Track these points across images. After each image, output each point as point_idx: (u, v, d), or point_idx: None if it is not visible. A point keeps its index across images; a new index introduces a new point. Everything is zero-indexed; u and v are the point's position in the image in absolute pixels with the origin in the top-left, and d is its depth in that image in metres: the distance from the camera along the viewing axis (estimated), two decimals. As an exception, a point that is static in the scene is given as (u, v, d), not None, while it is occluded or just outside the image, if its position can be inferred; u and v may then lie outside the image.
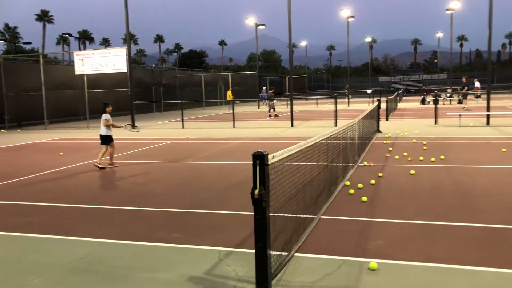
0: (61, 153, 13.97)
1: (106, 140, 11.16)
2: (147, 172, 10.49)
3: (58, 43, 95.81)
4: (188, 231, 5.94)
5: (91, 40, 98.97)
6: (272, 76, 75.02)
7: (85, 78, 23.99)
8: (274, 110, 28.38)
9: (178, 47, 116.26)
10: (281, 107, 40.64)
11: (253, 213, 4.02)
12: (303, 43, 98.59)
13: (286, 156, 4.65)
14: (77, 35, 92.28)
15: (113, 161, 11.36)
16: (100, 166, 10.81)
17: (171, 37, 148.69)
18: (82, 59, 23.28)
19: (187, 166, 11.06)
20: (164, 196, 8.02)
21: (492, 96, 20.07)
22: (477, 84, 34.33)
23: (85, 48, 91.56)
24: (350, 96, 51.91)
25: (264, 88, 50.24)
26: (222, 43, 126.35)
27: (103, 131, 11.16)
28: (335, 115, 20.21)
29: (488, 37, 18.46)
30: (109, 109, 11.38)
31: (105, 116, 11.15)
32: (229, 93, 36.74)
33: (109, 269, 4.76)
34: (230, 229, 5.95)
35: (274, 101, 28.72)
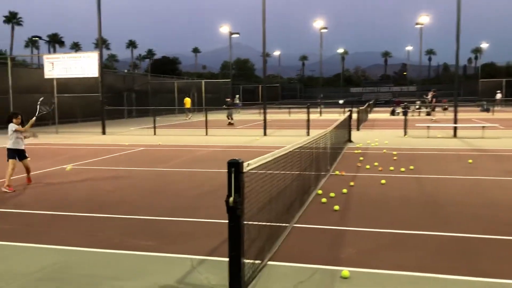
0: (28, 159, 13.56)
1: (14, 154, 9.42)
2: (117, 179, 10.31)
3: (27, 46, 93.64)
4: (159, 239, 5.86)
5: (62, 43, 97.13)
6: (245, 84, 75.24)
7: (54, 82, 23.48)
8: (232, 118, 28.76)
9: (151, 53, 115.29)
10: (254, 115, 40.75)
11: (226, 221, 4.00)
12: (277, 53, 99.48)
13: (260, 164, 4.67)
14: (47, 38, 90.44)
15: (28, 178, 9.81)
16: (8, 189, 8.98)
17: (144, 43, 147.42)
18: (52, 63, 22.80)
19: (159, 173, 10.93)
20: (135, 203, 7.90)
21: (459, 109, 20.66)
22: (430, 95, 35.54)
23: (55, 51, 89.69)
24: (321, 106, 52.58)
25: (237, 96, 50.35)
26: (196, 50, 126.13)
27: (11, 144, 9.42)
28: (308, 124, 20.40)
29: (456, 51, 19.05)
30: (17, 120, 9.43)
31: (13, 127, 9.32)
32: (187, 100, 36.84)
33: (78, 278, 4.64)
34: (202, 237, 5.90)
35: (233, 110, 29.24)
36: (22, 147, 9.59)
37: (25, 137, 9.67)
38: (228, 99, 30.75)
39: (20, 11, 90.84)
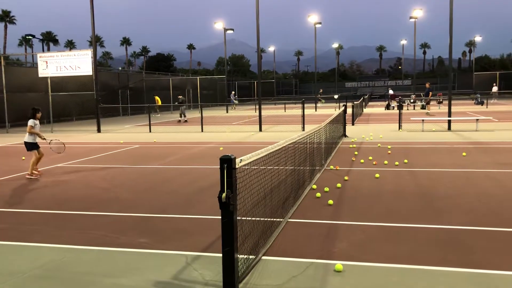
0: (23, 158, 13.55)
1: (32, 146, 10.28)
2: (112, 176, 10.31)
3: (20, 44, 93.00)
4: (154, 236, 5.88)
5: (56, 42, 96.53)
6: (240, 80, 75.16)
7: (49, 80, 23.41)
8: (185, 116, 28.66)
9: (145, 50, 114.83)
10: (250, 111, 40.74)
11: (220, 217, 4.02)
12: (271, 48, 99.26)
13: (253, 160, 4.69)
14: (41, 37, 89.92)
15: (34, 172, 10.34)
16: (33, 176, 10.16)
17: (138, 40, 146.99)
18: (46, 61, 22.70)
19: (154, 171, 10.94)
20: (130, 201, 7.91)
21: (453, 102, 20.74)
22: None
23: (49, 50, 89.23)
24: (323, 101, 52.47)
25: (233, 92, 50.29)
26: (191, 47, 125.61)
27: (27, 137, 10.27)
28: (303, 119, 20.43)
29: (449, 45, 19.11)
30: (39, 115, 10.48)
31: (31, 122, 10.23)
32: (157, 98, 36.92)
33: (71, 276, 4.66)
34: (196, 234, 5.92)
35: (184, 107, 29.12)
36: (36, 141, 10.46)
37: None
38: (180, 96, 30.35)
39: (13, 9, 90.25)
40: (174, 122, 28.68)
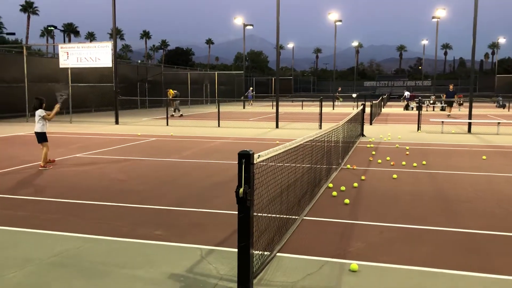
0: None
1: (43, 138, 10.41)
2: (129, 168, 10.39)
3: (42, 35, 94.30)
4: (170, 229, 5.91)
5: (77, 33, 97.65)
6: (258, 76, 75.08)
7: (69, 71, 23.68)
8: (179, 111, 28.58)
9: (164, 44, 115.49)
10: (267, 108, 40.69)
11: (235, 212, 4.01)
12: (290, 45, 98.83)
13: (271, 156, 4.67)
14: (62, 28, 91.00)
15: (47, 162, 10.40)
16: (47, 166, 10.22)
17: (158, 34, 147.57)
18: (67, 52, 22.98)
19: (170, 164, 10.99)
20: (146, 193, 7.96)
21: (474, 104, 20.40)
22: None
23: (70, 41, 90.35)
24: (341, 99, 52.03)
25: (251, 88, 50.25)
26: (209, 41, 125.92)
27: (40, 127, 10.36)
28: (320, 117, 20.31)
29: (472, 46, 18.78)
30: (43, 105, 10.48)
31: (42, 112, 10.30)
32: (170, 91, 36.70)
33: (88, 265, 4.70)
34: (212, 228, 5.93)
35: (178, 102, 29.02)
36: (45, 131, 10.52)
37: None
38: (175, 91, 30.06)
39: (36, 0, 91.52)
40: (191, 116, 28.79)
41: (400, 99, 48.41)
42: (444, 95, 29.27)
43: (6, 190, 8.10)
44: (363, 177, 9.15)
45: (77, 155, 12.26)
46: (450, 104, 29.69)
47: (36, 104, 10.44)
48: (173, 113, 28.40)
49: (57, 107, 10.59)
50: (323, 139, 8.56)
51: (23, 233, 5.74)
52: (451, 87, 30.42)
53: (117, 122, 22.75)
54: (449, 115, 27.91)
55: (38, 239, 5.54)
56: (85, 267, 4.64)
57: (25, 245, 5.33)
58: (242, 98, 46.41)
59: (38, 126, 10.40)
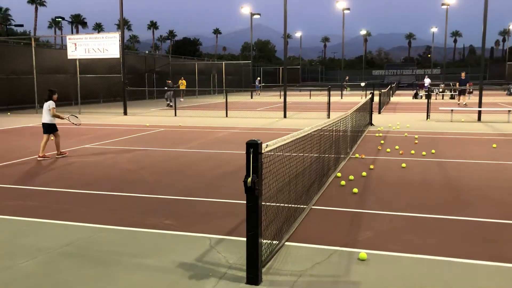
0: (52, 138, 13.85)
1: (50, 128, 10.51)
2: (138, 159, 10.45)
3: (50, 26, 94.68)
4: (179, 218, 5.94)
5: (84, 24, 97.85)
6: (266, 66, 74.82)
7: (77, 62, 23.76)
8: (171, 101, 28.05)
9: (171, 34, 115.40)
10: (274, 97, 40.59)
11: (244, 202, 4.02)
12: (298, 34, 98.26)
13: (279, 146, 4.66)
14: (70, 19, 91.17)
15: (61, 150, 10.70)
16: (43, 158, 10.26)
17: (165, 24, 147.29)
18: (75, 44, 23.03)
19: (179, 154, 11.03)
20: (155, 183, 8.00)
21: (484, 92, 20.19)
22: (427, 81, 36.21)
23: (77, 32, 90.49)
24: (348, 88, 51.73)
25: (258, 78, 50.12)
26: (216, 31, 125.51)
27: (47, 119, 10.47)
28: (328, 107, 20.23)
29: (483, 33, 18.53)
30: (56, 96, 10.66)
31: (52, 104, 10.45)
32: (182, 81, 36.55)
33: (99, 254, 4.75)
34: (221, 217, 5.96)
35: (171, 92, 28.88)
36: (54, 122, 10.68)
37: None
38: (169, 81, 30.09)
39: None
40: (199, 107, 28.82)
41: (413, 87, 47.77)
42: (458, 84, 28.70)
43: (16, 180, 8.20)
44: (371, 166, 9.12)
45: (86, 145, 12.35)
46: (463, 93, 29.16)
47: (47, 96, 10.57)
48: (168, 102, 28.41)
49: (62, 117, 10.75)
50: (331, 128, 8.53)
51: (35, 223, 5.81)
52: (463, 75, 29.94)
53: (125, 113, 22.83)
54: (465, 104, 27.27)
55: (50, 229, 5.60)
56: (95, 256, 4.69)
57: (37, 234, 5.39)
58: (251, 88, 46.31)
59: (47, 118, 10.50)
